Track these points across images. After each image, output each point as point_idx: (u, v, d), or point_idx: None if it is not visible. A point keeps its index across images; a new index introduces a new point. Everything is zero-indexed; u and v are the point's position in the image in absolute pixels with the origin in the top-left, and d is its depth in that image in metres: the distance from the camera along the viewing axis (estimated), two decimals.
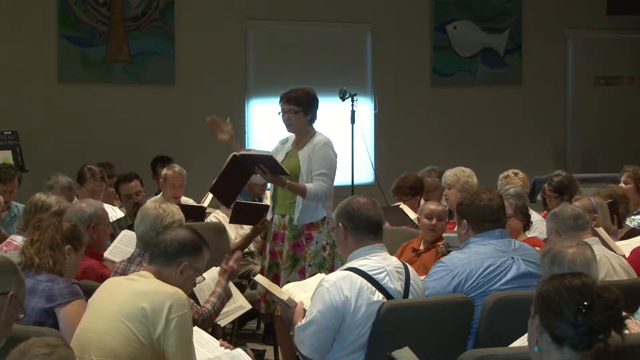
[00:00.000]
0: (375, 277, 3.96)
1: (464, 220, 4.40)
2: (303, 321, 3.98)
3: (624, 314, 2.77)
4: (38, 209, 5.17)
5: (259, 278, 4.60)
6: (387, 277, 3.99)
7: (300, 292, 4.30)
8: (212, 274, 4.71)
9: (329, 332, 3.92)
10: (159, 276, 3.73)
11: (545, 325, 2.75)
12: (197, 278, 3.87)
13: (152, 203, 4.79)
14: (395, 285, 4.00)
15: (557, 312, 2.74)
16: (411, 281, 4.10)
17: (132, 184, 7.05)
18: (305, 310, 4.07)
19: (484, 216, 4.35)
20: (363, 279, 3.94)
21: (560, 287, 2.77)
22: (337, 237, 4.23)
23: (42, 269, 4.11)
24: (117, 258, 5.20)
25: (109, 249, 5.51)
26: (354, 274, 3.95)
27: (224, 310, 4.71)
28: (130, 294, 3.63)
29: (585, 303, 2.71)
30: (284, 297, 4.22)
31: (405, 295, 4.05)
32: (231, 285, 4.75)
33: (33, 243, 4.19)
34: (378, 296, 3.94)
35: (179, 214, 4.71)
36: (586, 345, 2.74)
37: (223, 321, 4.70)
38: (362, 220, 4.08)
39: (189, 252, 3.79)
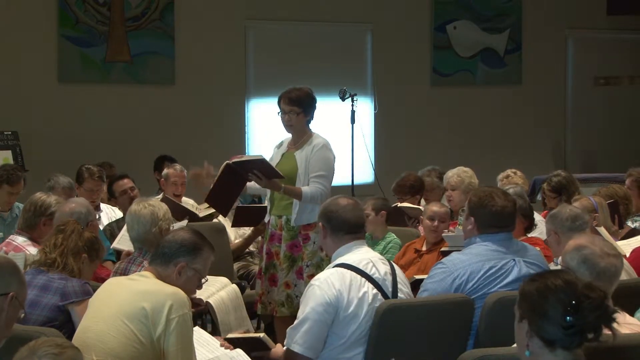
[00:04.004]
0: (362, 268, 4.02)
1: (472, 218, 4.37)
2: (296, 321, 4.00)
3: (611, 307, 2.77)
4: (38, 209, 5.21)
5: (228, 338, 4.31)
6: (374, 268, 4.06)
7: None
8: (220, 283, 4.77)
9: (322, 327, 3.93)
10: (159, 277, 3.73)
11: (534, 330, 2.75)
12: (201, 280, 3.86)
13: (136, 205, 4.82)
14: (381, 274, 4.06)
15: (545, 315, 2.73)
16: (397, 272, 4.17)
17: (124, 180, 7.17)
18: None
19: (492, 221, 4.29)
20: (352, 272, 4.00)
21: (545, 289, 2.76)
22: (320, 236, 4.35)
23: (63, 271, 4.19)
24: (125, 247, 5.30)
25: (117, 239, 5.65)
26: (342, 269, 4.01)
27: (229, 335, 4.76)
28: (130, 293, 3.63)
29: (573, 303, 2.71)
30: (261, 335, 4.16)
31: (394, 282, 4.09)
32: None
33: (57, 246, 4.26)
34: (368, 287, 3.99)
35: (165, 205, 4.87)
36: (578, 344, 2.75)
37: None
38: (339, 222, 4.16)
39: (187, 252, 3.78)
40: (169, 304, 3.55)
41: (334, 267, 4.06)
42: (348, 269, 4.00)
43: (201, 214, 6.87)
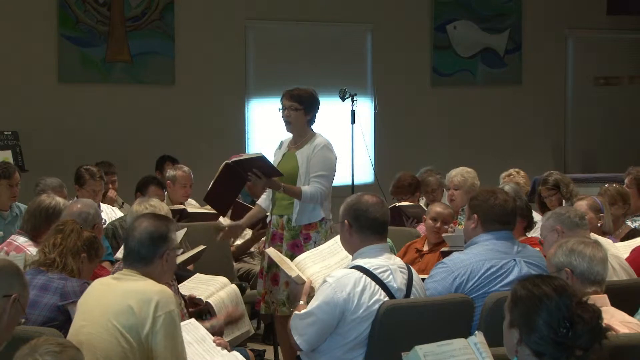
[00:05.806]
0: (379, 275, 4.00)
1: (475, 215, 4.38)
2: (303, 310, 4.03)
3: (604, 326, 2.78)
4: (50, 216, 5.20)
5: (270, 251, 4.72)
6: (391, 276, 4.04)
7: (311, 264, 4.37)
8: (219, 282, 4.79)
9: (324, 326, 3.95)
10: (144, 274, 3.70)
11: (526, 342, 2.77)
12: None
13: (138, 206, 4.87)
14: (398, 284, 4.04)
15: (536, 329, 2.75)
16: (414, 282, 4.13)
17: (159, 189, 7.02)
18: (312, 288, 4.15)
19: (496, 216, 4.32)
20: (367, 277, 3.98)
21: (538, 301, 2.77)
22: (341, 232, 4.24)
23: (63, 271, 4.19)
24: None
25: (120, 250, 5.62)
26: (358, 272, 3.99)
27: (234, 335, 4.78)
28: (117, 293, 3.62)
29: (566, 322, 2.72)
30: (293, 274, 4.29)
31: (408, 294, 4.07)
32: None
33: (56, 246, 4.26)
34: (380, 295, 3.98)
35: (166, 206, 4.96)
36: (566, 357, 2.76)
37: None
38: (368, 221, 4.12)
39: (163, 242, 3.74)
40: (155, 302, 3.53)
41: (352, 267, 4.05)
42: (365, 273, 3.99)
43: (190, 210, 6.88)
